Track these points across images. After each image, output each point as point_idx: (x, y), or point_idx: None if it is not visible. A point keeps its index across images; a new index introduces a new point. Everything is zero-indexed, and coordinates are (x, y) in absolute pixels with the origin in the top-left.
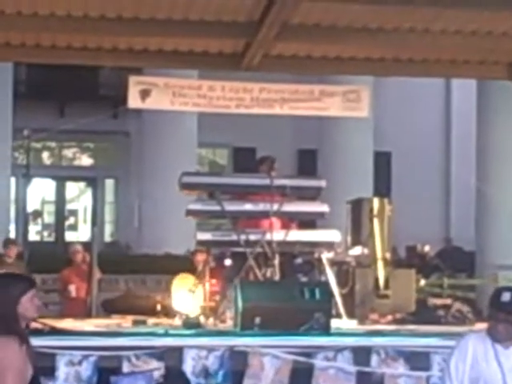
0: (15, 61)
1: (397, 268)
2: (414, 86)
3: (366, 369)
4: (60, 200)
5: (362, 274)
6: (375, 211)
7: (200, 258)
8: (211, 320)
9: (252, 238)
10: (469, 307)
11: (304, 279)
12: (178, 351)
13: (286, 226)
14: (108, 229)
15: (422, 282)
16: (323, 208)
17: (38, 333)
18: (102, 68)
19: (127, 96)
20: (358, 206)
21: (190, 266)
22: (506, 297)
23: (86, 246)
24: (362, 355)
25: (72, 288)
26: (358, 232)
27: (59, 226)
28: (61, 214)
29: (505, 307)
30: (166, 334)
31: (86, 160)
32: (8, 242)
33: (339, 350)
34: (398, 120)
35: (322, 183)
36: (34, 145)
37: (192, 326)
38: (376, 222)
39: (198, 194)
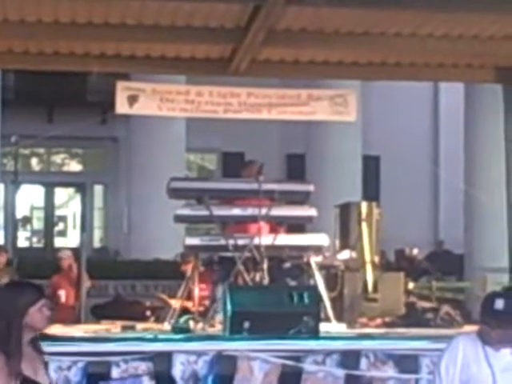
0: (2, 67)
1: (385, 271)
2: (402, 90)
3: (355, 372)
4: (49, 206)
5: (350, 277)
6: (363, 215)
7: (189, 263)
8: (200, 325)
9: (240, 242)
10: (457, 310)
11: (293, 283)
12: (167, 356)
13: (274, 230)
14: (97, 234)
15: (411, 285)
16: (311, 212)
17: None
18: (90, 74)
19: (115, 102)
20: (346, 209)
21: (178, 271)
22: (499, 304)
23: (75, 251)
24: (350, 359)
25: (61, 294)
26: (346, 236)
27: (48, 232)
28: (50, 219)
29: (498, 315)
30: (155, 339)
31: (74, 166)
32: None
33: (328, 353)
34: (386, 124)
35: (311, 187)
36: (23, 151)
37: (181, 330)
38: (364, 225)
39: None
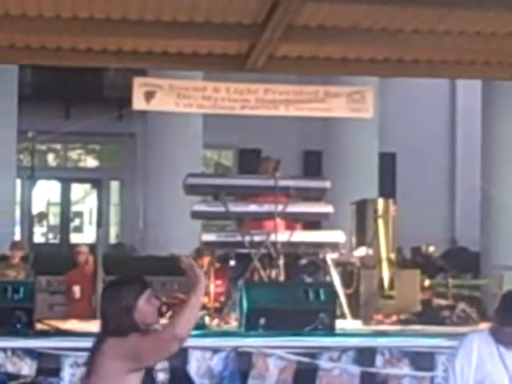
0: (20, 63)
1: (401, 269)
2: (419, 87)
3: (371, 369)
4: (65, 202)
5: (366, 274)
6: (380, 212)
7: (205, 259)
8: (216, 321)
9: (257, 239)
10: (474, 307)
11: (309, 280)
12: (183, 352)
13: (290, 226)
14: (113, 230)
15: (427, 283)
16: (328, 209)
17: (43, 334)
18: (107, 70)
19: (132, 98)
20: (362, 206)
21: None
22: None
23: (91, 247)
24: (366, 356)
25: (76, 289)
26: (362, 233)
27: (64, 227)
28: (66, 215)
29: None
30: None
31: (91, 162)
32: (14, 244)
33: (344, 350)
34: (403, 121)
35: (327, 184)
36: (39, 147)
37: (197, 326)
38: (381, 222)
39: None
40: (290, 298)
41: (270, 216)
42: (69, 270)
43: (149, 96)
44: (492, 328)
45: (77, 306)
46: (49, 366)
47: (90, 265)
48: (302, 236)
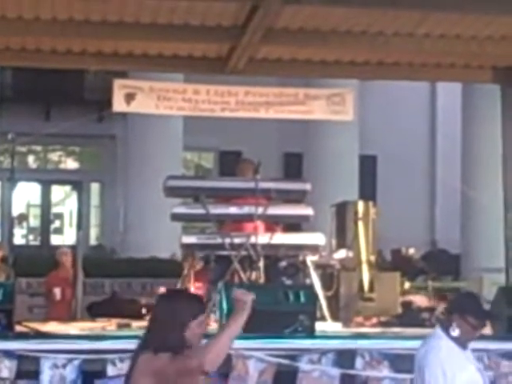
0: (0, 65)
1: (382, 271)
2: (399, 90)
3: (351, 371)
4: (45, 204)
5: (346, 276)
6: (360, 214)
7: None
8: None
9: (237, 241)
10: None
11: (289, 282)
12: None
13: (270, 229)
14: (93, 232)
15: (407, 285)
16: (308, 211)
17: (23, 336)
18: (87, 71)
19: (112, 99)
20: (342, 209)
21: (175, 269)
22: (484, 306)
23: (72, 249)
24: (346, 358)
25: (57, 291)
26: (342, 235)
27: (45, 229)
28: (46, 217)
29: (487, 316)
30: None
31: (71, 163)
32: None
33: (324, 352)
34: (384, 123)
35: (307, 186)
36: (19, 148)
37: None
38: (361, 225)
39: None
40: (270, 300)
41: (250, 218)
42: (49, 271)
43: (129, 98)
44: (458, 332)
45: (57, 308)
46: (28, 368)
47: (70, 267)
48: (282, 238)
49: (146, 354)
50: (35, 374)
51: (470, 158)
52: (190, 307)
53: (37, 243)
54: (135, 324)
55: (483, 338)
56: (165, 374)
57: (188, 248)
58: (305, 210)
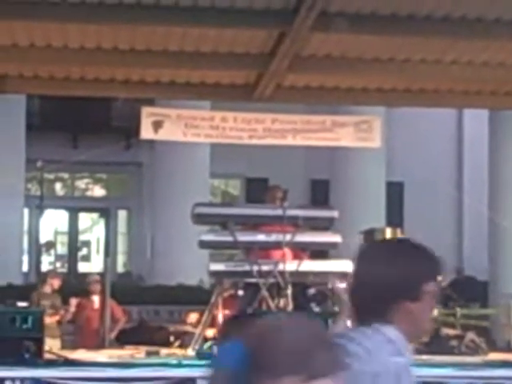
0: (28, 93)
1: None
2: (426, 116)
3: None
4: (73, 231)
5: None
6: None
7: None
8: None
9: (265, 268)
10: (482, 337)
11: (317, 309)
12: (191, 382)
13: (298, 256)
14: (121, 259)
15: (435, 312)
16: (336, 238)
17: (52, 364)
18: (115, 99)
19: (140, 127)
20: (370, 236)
21: (202, 296)
22: None
23: (100, 276)
24: None
25: (73, 302)
26: None
27: (72, 256)
28: (74, 244)
29: None
30: (180, 365)
31: (98, 191)
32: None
33: None
34: (410, 150)
35: (335, 213)
36: (47, 176)
37: (205, 356)
38: None
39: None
40: None
41: (277, 245)
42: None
43: (157, 125)
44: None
45: (85, 336)
46: None
47: (99, 295)
48: (309, 265)
49: None
50: None
51: (497, 184)
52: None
53: (64, 270)
54: (164, 351)
55: None
56: None
57: (216, 275)
58: (333, 237)
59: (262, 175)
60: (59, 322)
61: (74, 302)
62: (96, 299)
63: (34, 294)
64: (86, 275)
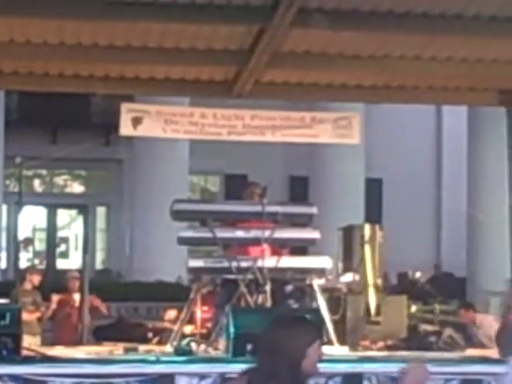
0: (7, 88)
1: (388, 294)
2: (405, 113)
3: None
4: (51, 227)
5: (353, 300)
6: (366, 238)
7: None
8: (202, 347)
9: (243, 264)
10: (460, 333)
11: (295, 306)
12: (170, 378)
13: (277, 252)
14: (99, 256)
15: (414, 309)
16: (314, 235)
17: (29, 360)
18: (94, 95)
19: (119, 123)
20: (349, 232)
21: (181, 293)
22: None
23: (78, 273)
24: (353, 382)
25: (54, 299)
26: (349, 258)
27: (50, 253)
28: (52, 241)
29: None
30: (158, 361)
31: (77, 187)
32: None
33: (330, 376)
34: (389, 147)
35: (314, 210)
36: (26, 172)
37: (183, 352)
38: (367, 248)
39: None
40: None
41: (256, 242)
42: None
43: (136, 122)
44: None
45: (63, 332)
46: None
47: (77, 291)
48: (288, 262)
49: None
50: None
51: (475, 180)
52: (307, 333)
53: (42, 267)
54: (142, 348)
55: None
56: None
57: (195, 272)
58: (311, 234)
59: (241, 172)
60: (39, 319)
61: (55, 298)
62: (77, 297)
63: (14, 291)
64: (64, 272)
